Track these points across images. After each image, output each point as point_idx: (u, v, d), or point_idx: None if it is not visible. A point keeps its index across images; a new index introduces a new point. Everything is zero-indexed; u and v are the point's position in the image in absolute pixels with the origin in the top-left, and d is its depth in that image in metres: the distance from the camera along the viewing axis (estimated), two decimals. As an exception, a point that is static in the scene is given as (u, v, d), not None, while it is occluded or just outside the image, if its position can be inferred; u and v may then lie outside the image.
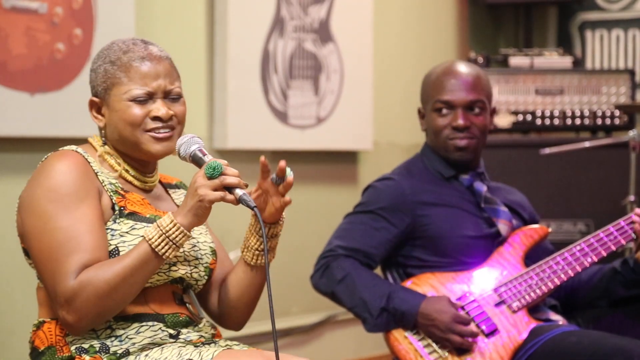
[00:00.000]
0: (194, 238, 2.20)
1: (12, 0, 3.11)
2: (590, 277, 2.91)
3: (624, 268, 2.84)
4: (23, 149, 3.20)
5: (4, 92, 3.09)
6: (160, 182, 2.30)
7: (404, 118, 4.78)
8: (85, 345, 2.05)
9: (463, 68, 2.92)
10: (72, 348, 2.06)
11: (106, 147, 2.17)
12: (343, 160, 4.52)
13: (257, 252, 2.20)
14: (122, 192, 2.13)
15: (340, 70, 4.36)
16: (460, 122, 2.85)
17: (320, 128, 4.29)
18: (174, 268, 2.13)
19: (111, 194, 2.11)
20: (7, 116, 3.11)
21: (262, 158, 2.09)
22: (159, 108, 2.12)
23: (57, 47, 3.21)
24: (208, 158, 2.07)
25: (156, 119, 2.12)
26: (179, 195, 2.31)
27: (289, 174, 2.11)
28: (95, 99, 2.17)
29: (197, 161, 2.08)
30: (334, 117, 4.34)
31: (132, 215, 2.10)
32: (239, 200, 2.01)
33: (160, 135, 2.13)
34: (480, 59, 4.39)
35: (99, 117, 2.17)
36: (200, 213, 2.02)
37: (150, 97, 2.13)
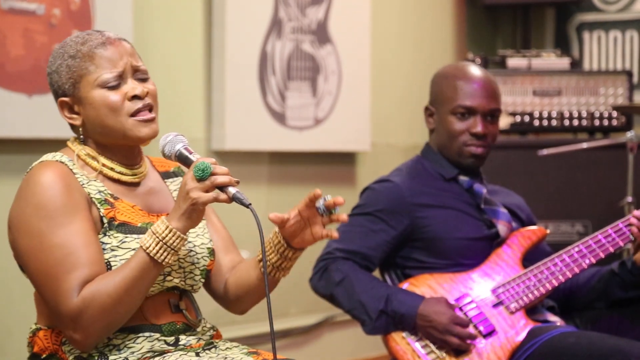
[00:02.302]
0: (189, 242, 2.15)
1: (10, 2, 3.11)
2: (588, 279, 2.91)
3: (622, 270, 2.84)
4: (21, 151, 3.19)
5: (2, 94, 3.09)
6: (156, 169, 2.24)
7: (401, 119, 4.79)
8: (84, 355, 2.02)
9: (482, 73, 2.90)
10: (71, 358, 2.03)
11: (85, 147, 2.11)
12: (341, 162, 4.52)
13: (275, 268, 2.15)
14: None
15: (338, 71, 4.36)
16: (480, 129, 2.86)
17: (318, 129, 4.29)
18: (168, 278, 2.09)
19: (99, 206, 2.05)
20: (5, 117, 3.11)
21: (318, 191, 2.03)
22: (134, 87, 2.07)
23: (55, 48, 3.21)
24: (194, 156, 2.03)
25: (134, 98, 2.07)
26: (176, 185, 2.24)
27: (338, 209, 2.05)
28: (64, 98, 2.10)
29: (183, 160, 2.04)
30: (331, 119, 4.34)
31: (123, 227, 2.05)
32: (232, 199, 1.97)
33: (145, 117, 2.07)
34: (478, 60, 4.38)
35: (74, 116, 2.10)
36: (195, 216, 1.98)
37: (121, 78, 2.07)
